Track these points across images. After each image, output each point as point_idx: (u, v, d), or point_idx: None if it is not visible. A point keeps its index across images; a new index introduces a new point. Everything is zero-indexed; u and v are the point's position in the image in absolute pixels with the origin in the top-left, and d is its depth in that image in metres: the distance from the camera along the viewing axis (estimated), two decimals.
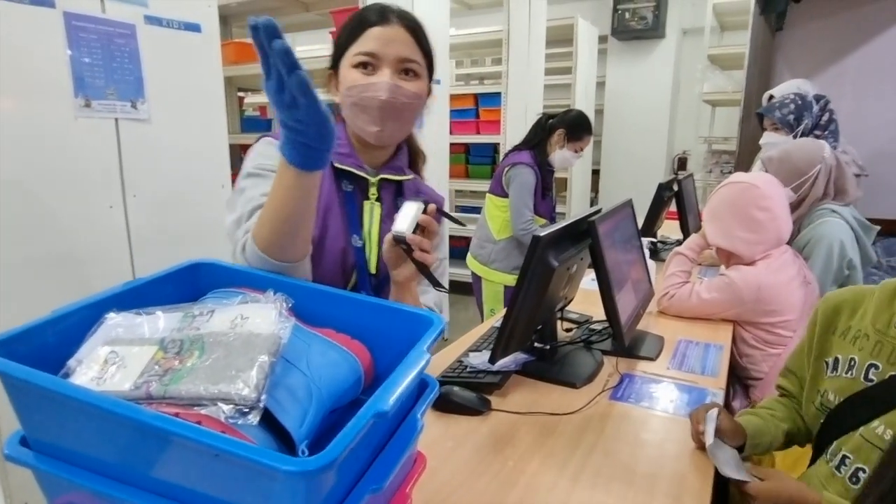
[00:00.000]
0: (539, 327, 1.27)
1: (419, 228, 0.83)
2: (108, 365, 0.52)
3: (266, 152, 0.93)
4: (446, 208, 1.01)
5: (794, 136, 2.13)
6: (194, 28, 1.88)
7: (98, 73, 1.62)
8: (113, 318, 0.58)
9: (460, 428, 1.03)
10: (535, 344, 1.27)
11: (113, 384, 0.50)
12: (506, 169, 2.40)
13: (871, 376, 0.90)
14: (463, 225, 0.98)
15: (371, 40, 0.91)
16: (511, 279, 2.44)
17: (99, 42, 1.62)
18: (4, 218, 1.47)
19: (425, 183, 1.12)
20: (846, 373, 0.95)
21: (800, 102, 2.14)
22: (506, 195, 2.41)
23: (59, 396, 0.47)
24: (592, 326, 1.48)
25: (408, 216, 0.82)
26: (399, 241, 0.82)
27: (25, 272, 1.51)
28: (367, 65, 0.91)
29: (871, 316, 0.94)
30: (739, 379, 1.62)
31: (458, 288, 4.16)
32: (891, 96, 2.85)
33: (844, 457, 0.89)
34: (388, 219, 0.99)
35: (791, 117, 2.13)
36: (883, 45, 2.85)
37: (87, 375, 0.51)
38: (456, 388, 1.10)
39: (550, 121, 2.39)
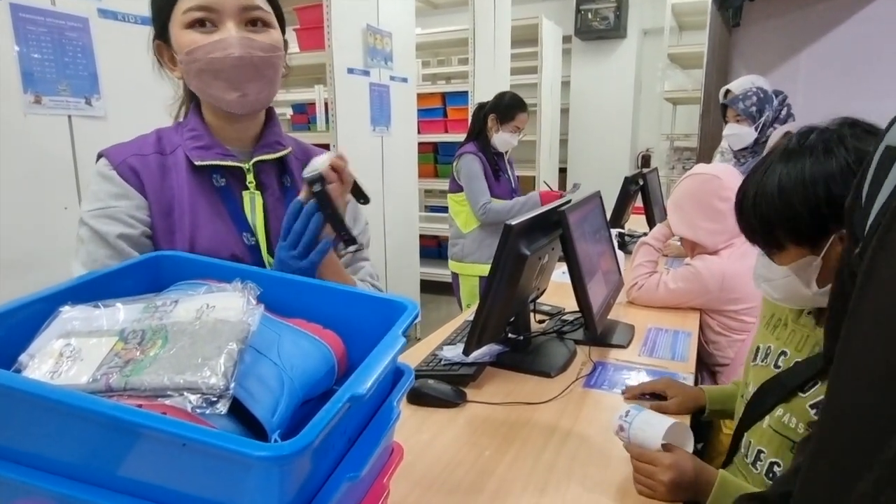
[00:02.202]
0: (513, 319, 1.27)
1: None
2: (64, 358, 0.49)
3: (98, 191, 0.81)
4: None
5: (756, 128, 2.20)
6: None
7: (49, 67, 1.55)
8: (68, 312, 0.55)
9: (436, 420, 1.02)
10: (509, 335, 1.27)
11: (69, 378, 0.47)
12: (453, 163, 2.54)
13: (779, 363, 0.89)
14: (368, 201, 0.86)
15: None
16: (487, 269, 2.47)
17: (49, 36, 1.55)
18: None
19: (315, 147, 1.00)
20: (762, 361, 0.94)
21: (762, 95, 2.21)
22: (461, 189, 2.52)
23: (7, 391, 0.43)
24: (565, 317, 1.49)
25: (319, 160, 0.79)
26: (313, 181, 0.77)
27: None
28: (205, 21, 0.77)
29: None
30: (706, 365, 1.66)
31: (430, 288, 4.15)
32: (840, 91, 2.97)
33: (759, 451, 0.87)
34: (275, 207, 0.88)
35: (753, 109, 2.19)
36: (833, 42, 2.97)
37: (40, 370, 0.48)
38: (431, 381, 1.09)
39: (483, 110, 2.53)
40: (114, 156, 0.82)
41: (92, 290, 0.62)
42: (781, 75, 3.00)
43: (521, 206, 2.41)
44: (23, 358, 0.50)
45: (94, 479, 0.45)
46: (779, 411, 0.84)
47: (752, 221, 0.80)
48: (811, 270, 0.77)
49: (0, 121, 1.47)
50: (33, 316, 0.55)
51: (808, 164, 0.74)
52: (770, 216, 0.77)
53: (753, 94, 2.19)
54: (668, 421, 0.83)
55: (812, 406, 0.80)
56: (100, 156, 0.83)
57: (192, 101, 0.89)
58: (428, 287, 4.07)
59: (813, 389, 0.81)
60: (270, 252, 0.87)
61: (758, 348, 0.96)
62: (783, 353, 0.89)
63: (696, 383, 1.44)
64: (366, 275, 0.96)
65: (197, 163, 0.83)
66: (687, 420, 1.02)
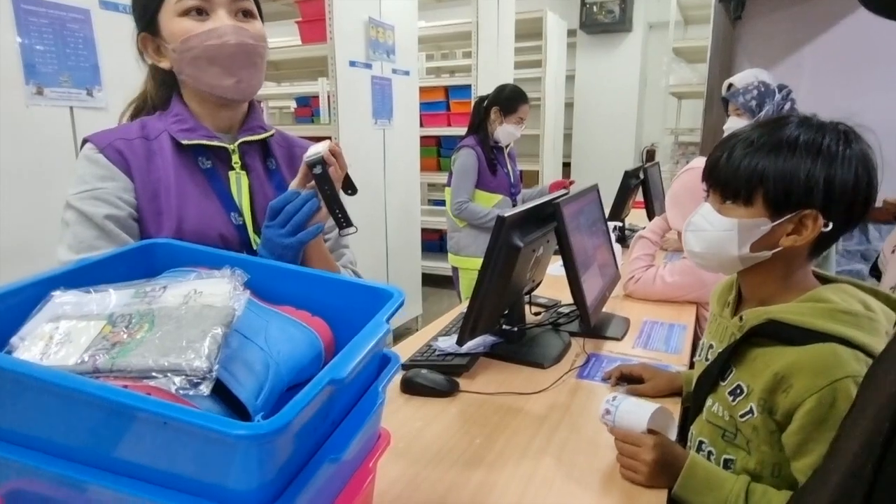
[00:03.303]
0: (507, 311, 1.28)
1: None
2: (54, 341, 0.50)
3: (84, 174, 0.83)
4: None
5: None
6: None
7: (50, 59, 1.56)
8: (60, 296, 0.56)
9: (429, 409, 1.03)
10: (504, 326, 1.28)
11: (58, 359, 0.48)
12: (452, 157, 2.55)
13: (709, 356, 0.90)
14: (356, 191, 0.88)
15: None
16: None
17: (51, 27, 1.56)
18: None
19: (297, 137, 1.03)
20: (699, 356, 0.95)
21: (762, 89, 2.20)
22: None
23: None
24: (560, 310, 1.50)
25: (318, 146, 0.82)
26: (314, 163, 0.80)
27: None
28: (201, 10, 0.81)
29: (717, 297, 0.95)
30: None
31: (432, 281, 4.17)
32: (845, 86, 2.95)
33: (700, 441, 0.87)
34: (261, 188, 0.91)
35: (753, 103, 2.18)
36: (838, 35, 2.94)
37: (30, 352, 0.50)
38: (424, 371, 1.10)
39: (485, 102, 2.53)
40: (99, 140, 0.84)
41: (85, 276, 0.63)
42: (786, 69, 2.98)
43: (494, 216, 2.40)
44: (14, 340, 0.51)
45: (83, 458, 0.46)
46: (709, 401, 0.85)
47: (742, 163, 0.77)
48: (756, 233, 0.77)
49: (2, 112, 1.49)
50: (26, 300, 0.56)
51: (828, 138, 0.74)
52: (765, 165, 0.75)
53: (754, 88, 2.18)
54: (654, 406, 0.84)
55: (730, 394, 0.81)
56: (85, 141, 0.85)
57: (165, 92, 0.91)
58: (430, 280, 4.08)
59: (730, 377, 0.82)
60: (256, 231, 0.90)
61: (702, 345, 0.97)
62: (711, 346, 0.91)
63: None
64: (347, 261, 0.99)
65: (184, 142, 0.85)
66: (677, 407, 1.02)
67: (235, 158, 0.90)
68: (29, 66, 1.52)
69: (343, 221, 0.84)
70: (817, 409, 0.69)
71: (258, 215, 0.90)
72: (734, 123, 2.20)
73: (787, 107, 2.25)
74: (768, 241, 0.77)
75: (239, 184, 0.90)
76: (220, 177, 0.89)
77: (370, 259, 3.11)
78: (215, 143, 0.87)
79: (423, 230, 3.81)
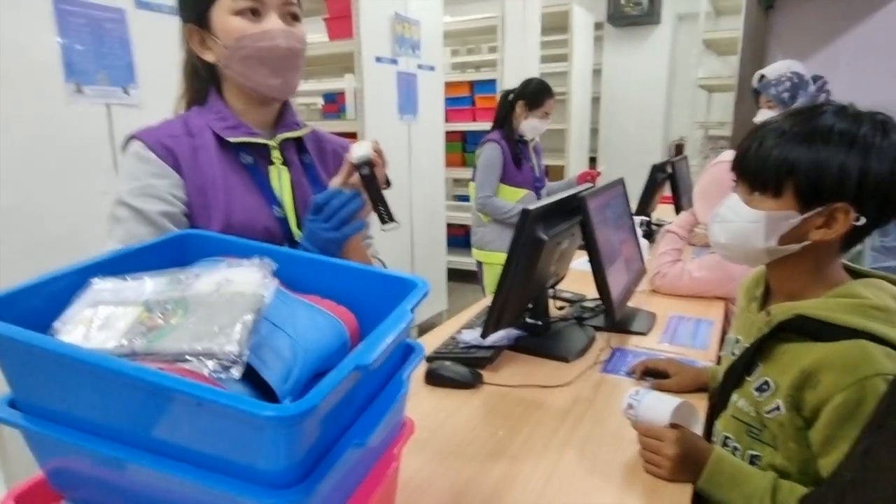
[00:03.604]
0: (531, 305, 1.28)
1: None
2: (94, 325, 0.53)
3: (136, 171, 0.85)
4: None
5: None
6: None
7: (88, 58, 1.62)
8: (99, 283, 0.58)
9: (452, 401, 1.04)
10: (528, 320, 1.28)
11: (98, 342, 0.51)
12: (476, 151, 2.55)
13: (735, 351, 0.89)
14: (390, 185, 0.91)
15: None
16: None
17: (89, 27, 1.61)
18: None
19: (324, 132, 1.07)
20: (725, 352, 0.94)
21: (796, 81, 2.14)
22: None
23: (43, 353, 0.47)
24: (585, 304, 1.49)
25: (361, 147, 0.85)
26: (362, 164, 0.84)
27: (20, 259, 1.52)
28: (255, 11, 0.84)
29: (744, 291, 0.93)
30: None
31: (457, 276, 4.18)
32: (887, 77, 2.84)
33: (726, 437, 0.87)
34: (299, 182, 0.95)
35: (786, 95, 2.12)
36: (877, 25, 2.83)
37: (72, 336, 0.52)
38: (448, 363, 1.11)
39: (510, 96, 2.52)
40: (148, 137, 0.87)
41: (122, 265, 0.66)
42: (821, 61, 2.89)
43: (518, 211, 2.40)
44: (56, 325, 0.54)
45: (122, 437, 0.49)
46: (734, 397, 0.84)
47: (772, 153, 0.75)
48: (784, 225, 0.76)
49: (44, 109, 1.54)
50: (67, 287, 0.59)
51: (865, 129, 0.71)
52: (797, 156, 0.73)
53: (787, 80, 2.12)
54: (677, 401, 0.83)
55: (756, 389, 0.80)
56: (130, 138, 0.88)
57: (204, 86, 0.93)
58: (455, 275, 4.10)
59: (756, 372, 0.81)
60: (297, 224, 0.93)
61: (728, 340, 0.95)
62: (737, 340, 0.89)
63: None
64: (374, 252, 1.03)
65: (231, 140, 0.88)
66: (703, 403, 1.01)
67: (276, 154, 0.93)
68: (69, 64, 1.58)
69: (387, 216, 0.87)
70: (844, 406, 0.67)
71: (298, 208, 0.93)
72: (765, 116, 2.15)
73: (821, 98, 2.18)
74: (797, 235, 0.76)
75: (280, 178, 0.93)
76: (261, 172, 0.92)
77: (395, 254, 3.13)
78: (260, 140, 0.90)
79: (448, 225, 3.82)
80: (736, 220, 0.81)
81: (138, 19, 1.72)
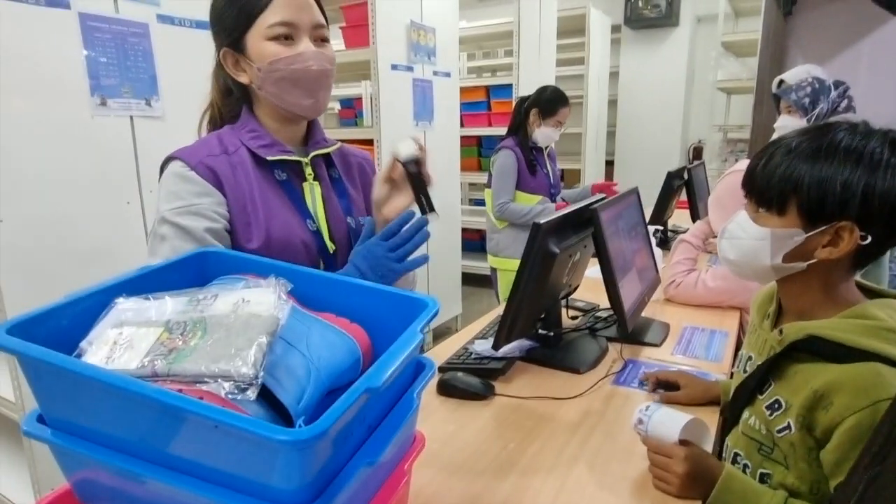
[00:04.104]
0: (544, 315, 1.28)
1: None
2: (118, 346, 0.55)
3: (179, 190, 0.88)
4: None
5: (809, 120, 2.10)
6: (205, 26, 1.91)
7: (113, 71, 1.66)
8: (122, 303, 0.61)
9: (464, 412, 1.05)
10: (540, 331, 1.29)
11: (121, 363, 0.53)
12: (491, 158, 2.57)
13: (747, 368, 0.88)
14: (431, 182, 0.97)
15: (283, 9, 0.87)
16: None
17: (113, 41, 1.66)
18: (26, 215, 1.52)
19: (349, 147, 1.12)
20: (738, 367, 0.93)
21: (817, 86, 2.11)
22: None
23: (70, 374, 0.50)
24: (598, 314, 1.49)
25: (404, 146, 0.91)
26: (409, 161, 0.90)
27: (48, 268, 1.57)
28: (288, 36, 0.88)
29: (757, 307, 0.93)
30: None
31: (472, 280, 4.19)
32: None
33: (736, 454, 0.86)
34: (329, 197, 0.99)
35: (806, 100, 2.10)
36: None
37: (97, 356, 0.54)
38: (460, 374, 1.12)
39: (525, 103, 2.53)
40: (188, 157, 0.90)
41: (145, 283, 0.68)
42: (842, 64, 2.85)
43: (536, 213, 2.43)
44: (83, 344, 0.56)
45: (144, 454, 0.51)
46: (745, 414, 0.84)
47: (777, 170, 0.75)
48: (789, 243, 0.76)
49: (71, 122, 1.59)
50: (93, 306, 0.61)
51: (873, 145, 0.71)
52: (800, 173, 0.73)
53: (808, 85, 2.09)
54: (687, 417, 0.83)
55: (767, 408, 0.79)
56: (170, 158, 0.91)
57: (237, 105, 0.97)
58: (470, 280, 4.11)
59: (768, 390, 0.80)
60: (330, 237, 0.97)
61: (741, 356, 0.95)
62: (750, 357, 0.89)
63: None
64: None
65: (268, 158, 0.92)
66: (715, 417, 1.01)
67: (309, 170, 0.97)
68: (94, 78, 1.62)
69: (428, 207, 0.93)
70: (857, 429, 0.67)
71: (331, 222, 0.98)
72: (786, 122, 2.12)
73: (843, 104, 2.15)
74: (802, 253, 0.76)
75: (313, 194, 0.97)
76: (294, 188, 0.96)
77: None
78: (295, 157, 0.95)
79: (464, 230, 3.83)
80: (743, 236, 0.81)
81: (160, 33, 1.77)
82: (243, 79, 0.92)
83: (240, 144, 0.94)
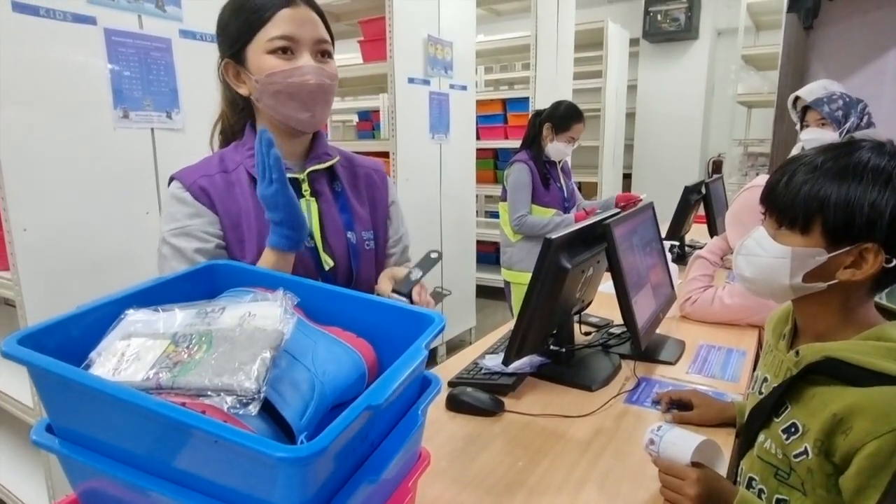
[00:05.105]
0: (556, 330, 1.27)
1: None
2: (125, 357, 0.56)
3: (175, 212, 0.91)
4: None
5: (840, 134, 2.07)
6: None
7: (136, 85, 1.70)
8: (132, 315, 0.62)
9: (473, 428, 1.04)
10: (552, 347, 1.27)
11: (127, 375, 0.53)
12: (505, 171, 2.57)
13: (762, 390, 0.86)
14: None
15: (284, 23, 0.87)
16: None
17: (137, 56, 1.70)
18: (49, 225, 1.56)
19: (355, 154, 1.10)
20: (753, 389, 0.91)
21: (847, 100, 2.09)
22: None
23: (76, 385, 0.50)
24: (612, 330, 1.47)
25: (410, 278, 0.93)
26: (402, 294, 0.91)
27: (69, 276, 1.60)
28: (287, 49, 0.88)
29: (772, 327, 0.91)
30: None
31: (487, 293, 4.17)
32: None
33: (751, 478, 0.84)
34: (329, 212, 0.98)
35: (839, 113, 2.07)
36: None
37: (105, 367, 0.55)
38: (469, 389, 1.11)
39: (539, 117, 2.53)
40: (184, 178, 0.93)
41: (155, 295, 0.69)
42: (865, 79, 2.80)
43: (555, 224, 2.42)
44: (92, 355, 0.57)
45: (147, 465, 0.51)
46: (761, 437, 0.82)
47: (802, 188, 0.74)
48: (810, 263, 0.74)
49: (95, 134, 1.63)
50: (104, 317, 0.62)
51: None
52: (827, 192, 0.71)
53: (839, 98, 2.07)
54: (700, 438, 0.81)
55: (783, 431, 0.77)
56: (171, 179, 0.94)
57: (241, 118, 0.99)
58: (484, 292, 4.09)
59: (784, 413, 0.78)
60: (326, 251, 0.97)
61: (756, 377, 0.92)
62: (765, 379, 0.87)
63: None
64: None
65: None
66: (730, 438, 0.98)
67: (305, 186, 0.97)
68: (117, 91, 1.66)
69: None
70: (877, 456, 0.65)
71: (327, 237, 0.98)
72: (816, 134, 2.08)
73: (864, 121, 2.12)
74: (823, 273, 0.74)
75: (309, 210, 0.96)
76: None
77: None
78: (290, 175, 0.94)
79: (479, 242, 3.83)
80: (762, 254, 0.79)
81: (182, 47, 1.81)
82: (243, 90, 0.94)
83: (240, 162, 0.96)
